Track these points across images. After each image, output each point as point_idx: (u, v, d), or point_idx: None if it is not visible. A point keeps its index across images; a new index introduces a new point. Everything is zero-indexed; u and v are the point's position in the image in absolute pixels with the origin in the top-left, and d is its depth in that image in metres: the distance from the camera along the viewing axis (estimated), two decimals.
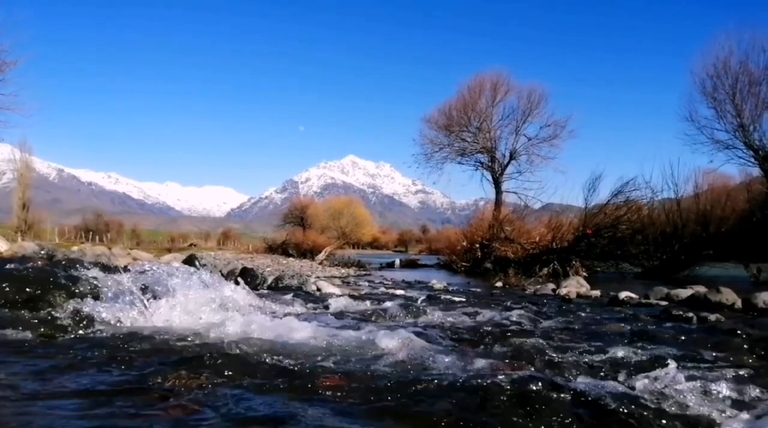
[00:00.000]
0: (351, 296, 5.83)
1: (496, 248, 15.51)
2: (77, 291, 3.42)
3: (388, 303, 4.63)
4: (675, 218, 14.95)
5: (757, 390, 1.97)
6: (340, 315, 3.97)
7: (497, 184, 24.44)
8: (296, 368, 2.08)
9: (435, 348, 2.54)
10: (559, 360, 2.44)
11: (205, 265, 5.06)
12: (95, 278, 3.77)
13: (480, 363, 2.28)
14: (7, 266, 3.84)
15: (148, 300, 3.14)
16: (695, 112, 18.88)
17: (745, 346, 3.00)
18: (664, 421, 1.63)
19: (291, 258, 22.60)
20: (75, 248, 14.73)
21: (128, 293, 3.19)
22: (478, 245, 16.21)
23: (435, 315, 4.12)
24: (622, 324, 4.05)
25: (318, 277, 9.85)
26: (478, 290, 8.45)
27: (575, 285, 8.14)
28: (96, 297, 3.37)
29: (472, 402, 1.70)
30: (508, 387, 1.84)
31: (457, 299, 6.06)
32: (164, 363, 2.08)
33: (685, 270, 13.43)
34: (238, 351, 2.32)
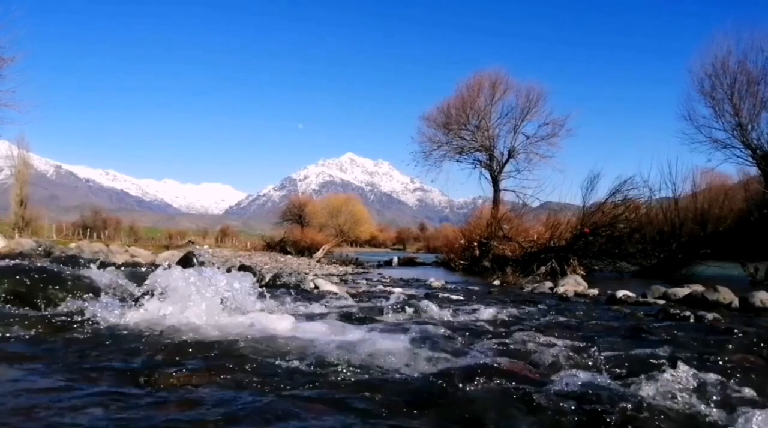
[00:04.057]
0: (349, 294, 5.83)
1: (494, 246, 15.53)
2: (74, 287, 3.41)
3: (385, 301, 4.62)
4: (673, 217, 15.01)
5: (755, 390, 1.97)
6: (337, 313, 3.96)
7: (495, 182, 24.52)
8: (292, 367, 2.08)
9: (432, 346, 2.54)
10: (557, 358, 2.44)
11: (203, 263, 5.05)
12: (93, 275, 3.76)
13: (478, 361, 2.28)
14: (5, 262, 3.82)
15: (146, 297, 3.13)
16: (693, 111, 19.00)
17: (742, 345, 3.00)
18: (661, 420, 1.63)
19: (289, 256, 22.64)
20: (73, 245, 14.70)
21: (127, 290, 3.18)
22: (476, 243, 16.22)
23: (432, 313, 4.12)
24: (620, 323, 4.05)
25: (316, 275, 9.85)
26: (476, 288, 8.45)
27: (573, 284, 8.16)
28: (94, 294, 3.36)
29: (470, 401, 1.70)
30: (505, 385, 1.84)
31: (455, 297, 6.06)
32: (163, 361, 2.07)
33: (682, 269, 13.49)
34: (236, 349, 2.31)
